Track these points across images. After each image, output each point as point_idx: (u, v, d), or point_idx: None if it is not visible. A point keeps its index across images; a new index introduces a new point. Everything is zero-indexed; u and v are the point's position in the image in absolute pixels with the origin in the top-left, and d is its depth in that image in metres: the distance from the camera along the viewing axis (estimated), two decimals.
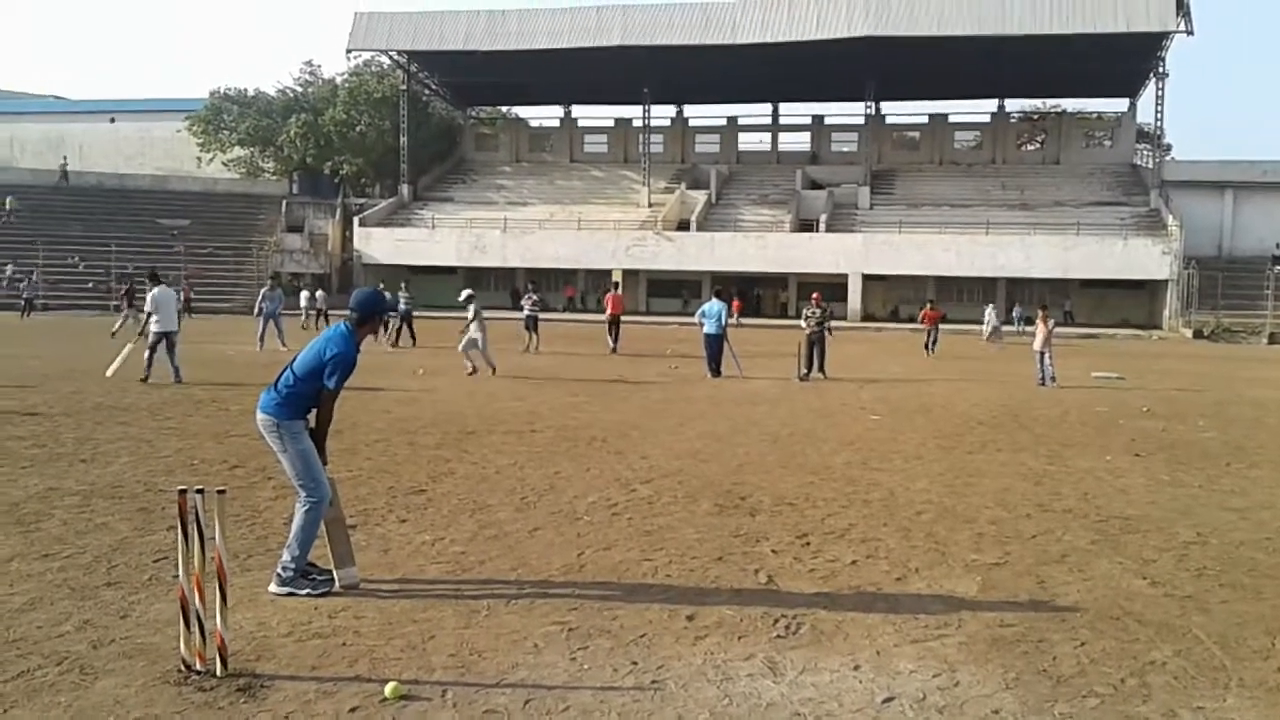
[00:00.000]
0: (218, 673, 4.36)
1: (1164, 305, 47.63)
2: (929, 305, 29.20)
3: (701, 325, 19.58)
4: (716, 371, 19.11)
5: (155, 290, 16.46)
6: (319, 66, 70.76)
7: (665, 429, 12.47)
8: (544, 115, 71.49)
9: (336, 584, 5.61)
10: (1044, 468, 10.20)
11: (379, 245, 55.48)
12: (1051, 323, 20.01)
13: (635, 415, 13.73)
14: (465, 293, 20.59)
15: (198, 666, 4.39)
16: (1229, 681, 4.63)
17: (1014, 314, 43.55)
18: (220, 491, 4.51)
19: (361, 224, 56.17)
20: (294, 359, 5.72)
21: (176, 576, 4.50)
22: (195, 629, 4.38)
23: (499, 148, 69.50)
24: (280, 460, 5.68)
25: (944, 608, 5.58)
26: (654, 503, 8.13)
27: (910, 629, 5.23)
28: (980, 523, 7.65)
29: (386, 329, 25.54)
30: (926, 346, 27.51)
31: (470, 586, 5.76)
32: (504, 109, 72.08)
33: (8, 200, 52.86)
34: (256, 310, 25.73)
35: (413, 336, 27.09)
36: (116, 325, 27.41)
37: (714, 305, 19.68)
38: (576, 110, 69.46)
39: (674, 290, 55.58)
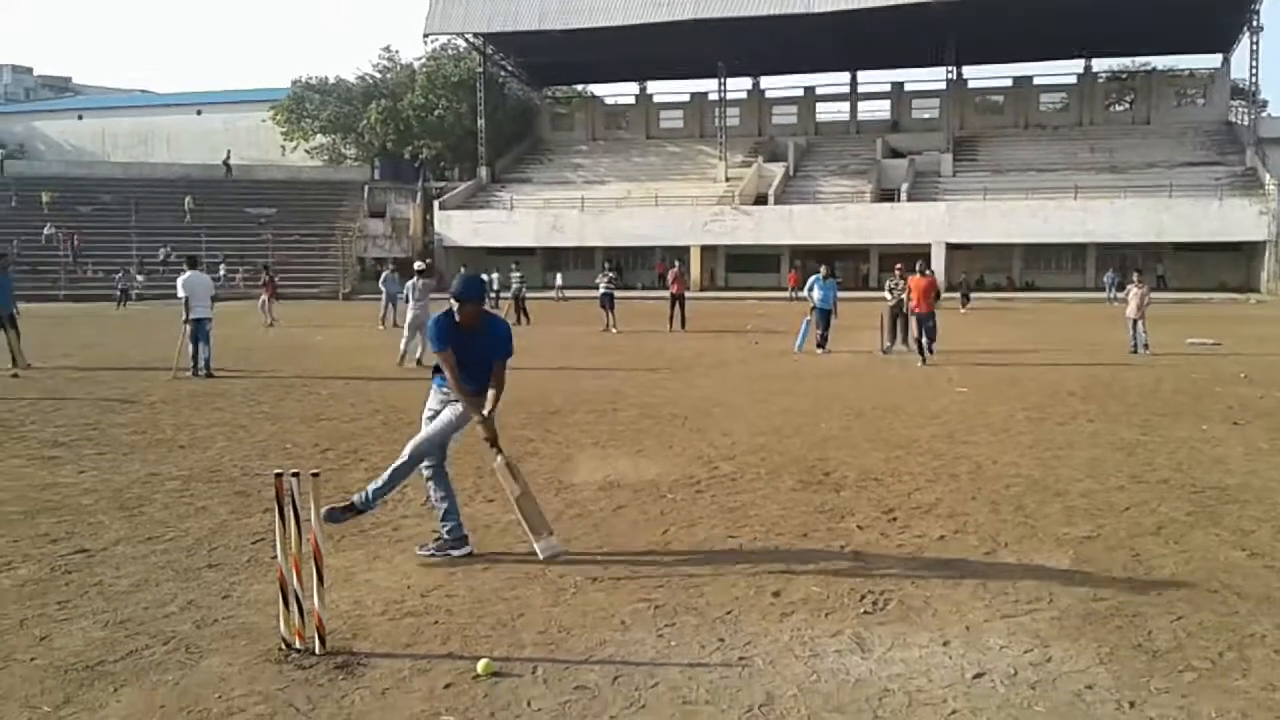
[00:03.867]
0: (316, 651, 4.49)
1: (1262, 267, 45.99)
2: (924, 272, 19.23)
3: (811, 300, 19.57)
4: (824, 344, 19.03)
5: (187, 275, 15.50)
6: (397, 52, 72.05)
7: (747, 405, 12.44)
8: (619, 93, 71.88)
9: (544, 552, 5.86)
10: (1137, 438, 9.95)
11: (459, 228, 56.15)
12: (1146, 288, 19.42)
13: (717, 392, 13.72)
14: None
15: (297, 645, 4.53)
16: None
17: (1106, 279, 42.49)
18: (314, 474, 4.63)
19: (441, 207, 56.88)
20: None
21: (275, 558, 4.64)
22: (294, 608, 4.52)
23: (575, 127, 69.72)
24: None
25: (1035, 582, 5.49)
26: (737, 479, 8.13)
27: (1000, 604, 5.16)
28: (1071, 495, 7.50)
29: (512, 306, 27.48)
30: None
31: (558, 565, 5.84)
32: (579, 88, 72.26)
33: (186, 200, 54.73)
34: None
35: (526, 316, 27.89)
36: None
37: (822, 279, 19.71)
38: (651, 86, 69.38)
39: (753, 265, 55.24)
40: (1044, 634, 4.75)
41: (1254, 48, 51.10)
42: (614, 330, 24.70)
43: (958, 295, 35.78)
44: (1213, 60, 59.38)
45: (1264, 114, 56.34)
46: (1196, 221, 46.18)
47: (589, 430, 10.55)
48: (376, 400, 12.80)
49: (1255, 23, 50.60)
